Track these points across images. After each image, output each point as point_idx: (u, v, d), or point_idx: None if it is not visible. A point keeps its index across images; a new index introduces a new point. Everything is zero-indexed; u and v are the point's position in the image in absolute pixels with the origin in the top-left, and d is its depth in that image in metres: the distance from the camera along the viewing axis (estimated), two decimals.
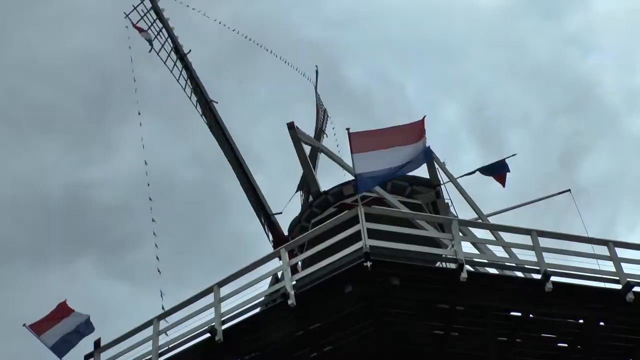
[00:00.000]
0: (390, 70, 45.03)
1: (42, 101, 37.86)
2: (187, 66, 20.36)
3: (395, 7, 43.52)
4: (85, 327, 14.21)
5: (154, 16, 20.81)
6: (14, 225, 36.16)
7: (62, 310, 14.36)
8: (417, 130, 12.58)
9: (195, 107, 20.13)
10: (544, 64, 42.17)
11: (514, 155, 18.68)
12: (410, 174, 16.24)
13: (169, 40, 20.74)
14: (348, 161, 16.47)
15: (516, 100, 42.45)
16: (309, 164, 18.48)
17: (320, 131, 23.85)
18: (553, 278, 11.95)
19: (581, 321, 12.53)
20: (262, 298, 12.70)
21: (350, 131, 12.45)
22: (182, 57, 20.48)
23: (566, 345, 12.78)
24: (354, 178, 12.71)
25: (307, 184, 19.69)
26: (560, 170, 38.30)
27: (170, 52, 20.56)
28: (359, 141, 12.41)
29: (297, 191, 20.37)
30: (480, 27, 43.60)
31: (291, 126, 17.68)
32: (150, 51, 20.16)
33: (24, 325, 14.11)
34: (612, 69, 44.44)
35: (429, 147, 15.99)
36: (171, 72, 20.27)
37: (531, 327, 12.46)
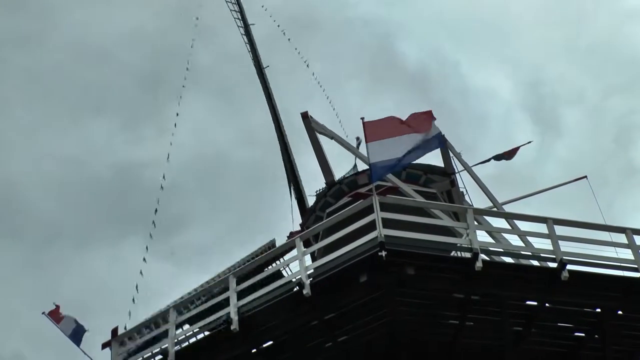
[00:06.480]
0: (445, 48, 44.50)
1: (93, 81, 37.80)
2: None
3: None
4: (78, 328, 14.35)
5: None
6: (62, 205, 36.28)
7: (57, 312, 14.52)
8: (427, 119, 12.49)
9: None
10: (601, 40, 41.23)
11: (530, 142, 18.65)
12: (425, 162, 16.22)
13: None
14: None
15: (572, 78, 41.85)
16: (323, 153, 18.45)
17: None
18: (569, 266, 11.85)
19: (598, 310, 12.42)
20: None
21: (365, 120, 12.42)
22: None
23: (583, 334, 12.68)
24: (368, 167, 12.67)
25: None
26: (615, 149, 37.85)
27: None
28: (374, 130, 12.34)
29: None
30: (536, 3, 42.83)
31: (305, 116, 17.65)
32: None
33: (42, 313, 14.30)
34: None
35: (443, 135, 15.98)
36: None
37: (547, 316, 12.38)
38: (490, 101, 42.91)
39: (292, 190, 19.72)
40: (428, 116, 12.63)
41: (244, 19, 22.46)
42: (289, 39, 24.16)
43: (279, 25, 24.39)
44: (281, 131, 20.24)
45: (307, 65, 24.08)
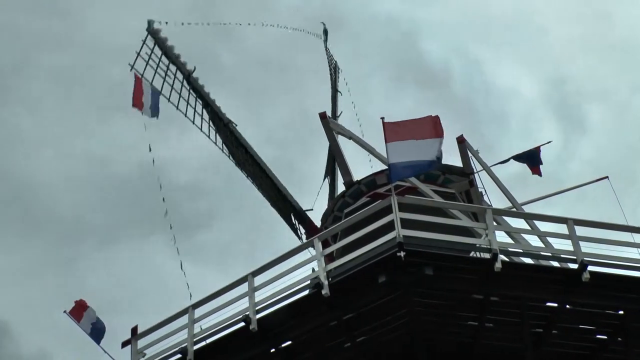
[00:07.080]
0: (468, 45, 44.00)
1: (119, 80, 37.98)
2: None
3: None
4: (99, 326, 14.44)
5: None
6: (87, 203, 36.51)
7: (81, 307, 14.62)
8: (438, 125, 12.39)
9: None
10: (627, 37, 40.36)
11: (550, 142, 18.41)
12: (443, 162, 16.14)
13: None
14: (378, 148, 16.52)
15: (596, 75, 41.25)
16: (342, 153, 18.43)
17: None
18: (591, 268, 11.72)
19: (621, 312, 12.27)
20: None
21: (385, 120, 12.39)
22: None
23: (606, 337, 12.54)
24: (387, 167, 12.64)
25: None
26: None
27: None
28: (393, 130, 12.31)
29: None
30: None
31: (323, 116, 17.65)
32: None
33: (64, 311, 14.45)
34: None
35: (462, 135, 15.86)
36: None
37: (568, 318, 12.27)
38: (513, 99, 42.56)
39: (326, 177, 19.97)
40: (436, 121, 12.52)
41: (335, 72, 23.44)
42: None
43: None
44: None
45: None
